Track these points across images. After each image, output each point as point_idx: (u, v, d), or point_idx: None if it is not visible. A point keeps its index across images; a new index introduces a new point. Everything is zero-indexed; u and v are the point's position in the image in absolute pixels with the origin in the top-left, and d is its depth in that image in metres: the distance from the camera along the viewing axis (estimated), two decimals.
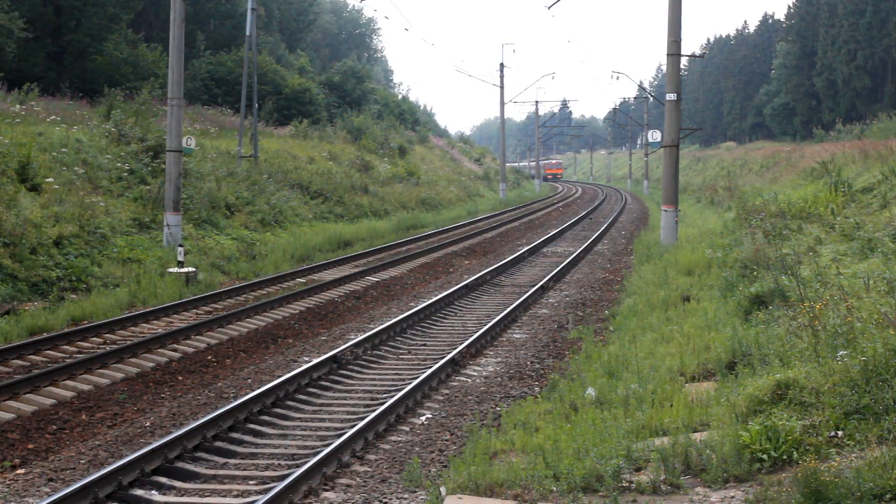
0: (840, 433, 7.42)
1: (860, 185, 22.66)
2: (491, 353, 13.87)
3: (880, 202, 19.51)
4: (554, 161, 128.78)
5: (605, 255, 27.08)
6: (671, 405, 9.17)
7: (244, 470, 8.74)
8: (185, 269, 19.16)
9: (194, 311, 16.67)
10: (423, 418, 10.43)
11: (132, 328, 14.93)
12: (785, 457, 7.29)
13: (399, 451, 9.25)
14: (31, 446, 9.38)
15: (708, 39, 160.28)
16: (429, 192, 47.69)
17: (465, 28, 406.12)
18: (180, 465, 8.74)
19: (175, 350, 13.62)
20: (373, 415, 9.80)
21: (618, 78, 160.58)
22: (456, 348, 13.33)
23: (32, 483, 8.35)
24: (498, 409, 10.59)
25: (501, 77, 59.66)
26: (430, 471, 8.53)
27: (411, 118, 75.81)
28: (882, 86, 71.78)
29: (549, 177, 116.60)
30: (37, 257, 17.27)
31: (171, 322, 15.60)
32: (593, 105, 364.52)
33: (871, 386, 7.64)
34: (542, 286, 19.65)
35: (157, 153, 25.71)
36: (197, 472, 8.59)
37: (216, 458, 9.04)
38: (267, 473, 8.56)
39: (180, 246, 19.80)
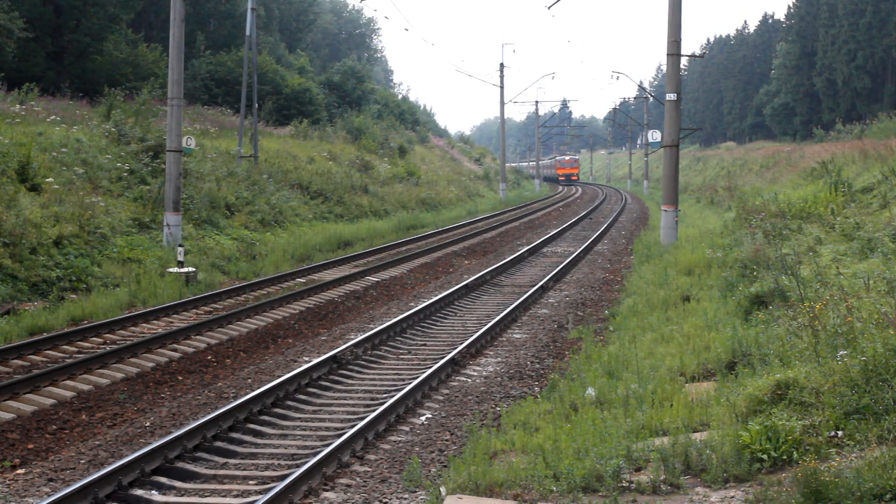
0: (840, 433, 7.42)
1: (860, 185, 22.65)
2: (491, 353, 13.87)
3: (880, 202, 19.51)
4: (567, 158, 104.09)
5: (605, 254, 27.08)
6: (671, 405, 9.17)
7: (244, 470, 8.74)
8: (185, 269, 19.15)
9: (194, 311, 16.67)
10: (423, 418, 10.42)
11: (132, 328, 14.93)
12: (785, 457, 7.29)
13: (399, 451, 9.25)
14: (31, 446, 9.38)
15: (708, 39, 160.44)
16: (429, 192, 47.68)
17: (465, 28, 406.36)
18: (180, 465, 8.74)
19: (175, 350, 13.62)
20: (373, 415, 9.80)
21: (618, 78, 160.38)
22: (456, 348, 13.33)
23: (32, 483, 8.35)
24: (498, 409, 10.59)
25: (501, 77, 59.74)
26: (430, 471, 8.52)
27: (411, 118, 75.82)
28: (882, 86, 71.78)
29: (562, 178, 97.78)
30: (37, 257, 17.27)
31: (171, 322, 15.59)
32: (593, 105, 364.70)
33: (871, 386, 7.64)
34: (542, 286, 19.65)
35: (157, 153, 25.71)
36: (197, 472, 8.59)
37: (216, 458, 9.04)
38: (267, 473, 8.56)
39: (180, 246, 19.80)
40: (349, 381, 12.09)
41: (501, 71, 59.30)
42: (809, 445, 7.31)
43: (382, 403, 10.51)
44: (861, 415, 7.50)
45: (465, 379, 12.26)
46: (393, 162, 49.97)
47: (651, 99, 75.72)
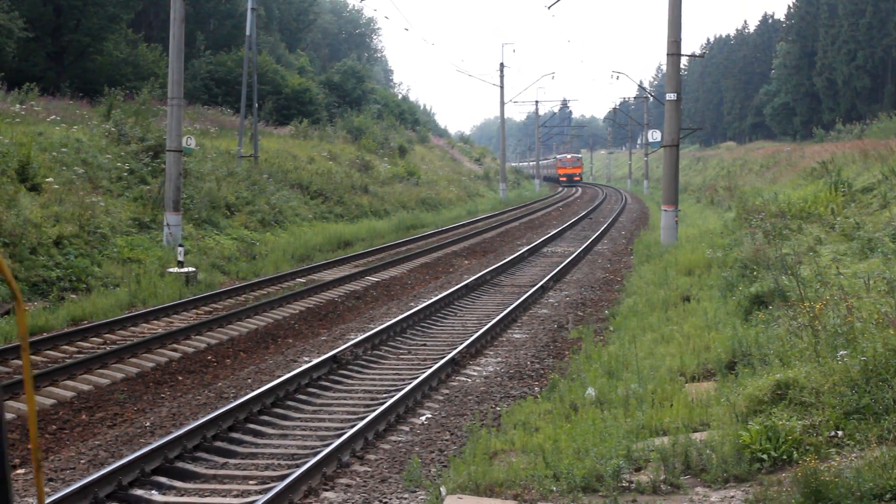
0: (840, 433, 7.41)
1: (860, 185, 22.65)
2: (491, 353, 13.87)
3: (880, 202, 19.50)
4: (569, 157, 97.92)
5: (605, 255, 27.07)
6: (671, 405, 9.17)
7: (244, 470, 8.73)
8: (185, 269, 19.15)
9: (194, 311, 16.67)
10: (423, 418, 10.42)
11: (132, 328, 14.93)
12: (785, 457, 7.29)
13: (399, 451, 9.24)
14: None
15: (708, 39, 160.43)
16: (429, 191, 47.69)
17: (465, 28, 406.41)
18: (180, 465, 8.74)
19: (175, 350, 13.61)
20: (373, 415, 9.80)
21: (618, 78, 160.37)
22: (456, 348, 13.33)
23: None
24: (498, 409, 10.59)
25: (501, 77, 59.76)
26: (430, 471, 8.52)
27: (411, 118, 75.85)
28: (882, 86, 71.76)
29: (563, 178, 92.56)
30: (37, 257, 17.26)
31: (171, 322, 15.59)
32: (593, 105, 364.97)
33: (871, 386, 7.64)
34: (542, 286, 19.64)
35: (157, 153, 25.71)
36: (197, 472, 8.59)
37: (216, 458, 9.04)
38: (267, 473, 8.55)
39: (180, 246, 19.80)
40: (349, 381, 12.08)
41: (501, 71, 59.34)
42: (809, 445, 7.30)
43: (382, 403, 10.51)
44: (861, 415, 7.50)
45: (465, 379, 12.25)
46: (393, 162, 49.98)
47: (651, 99, 75.61)
